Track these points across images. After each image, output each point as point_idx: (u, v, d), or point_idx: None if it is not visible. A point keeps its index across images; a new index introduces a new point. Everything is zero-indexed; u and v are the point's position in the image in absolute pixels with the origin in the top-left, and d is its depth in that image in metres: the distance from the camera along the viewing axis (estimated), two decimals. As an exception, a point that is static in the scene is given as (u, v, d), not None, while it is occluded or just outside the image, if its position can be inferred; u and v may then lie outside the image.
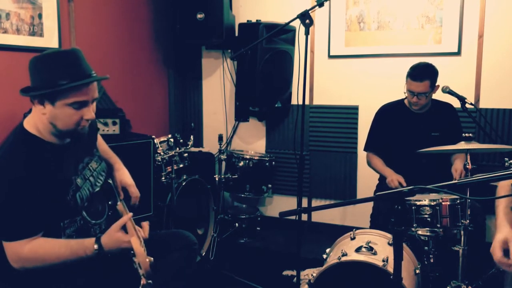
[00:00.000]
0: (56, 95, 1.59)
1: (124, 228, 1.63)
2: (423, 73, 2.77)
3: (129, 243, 1.57)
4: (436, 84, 2.83)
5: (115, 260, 1.70)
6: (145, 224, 1.74)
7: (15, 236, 1.58)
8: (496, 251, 1.61)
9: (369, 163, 3.12)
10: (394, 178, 2.80)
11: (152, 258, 1.52)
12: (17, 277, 1.66)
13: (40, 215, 1.60)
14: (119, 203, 1.91)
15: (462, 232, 2.27)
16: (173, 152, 3.16)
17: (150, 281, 1.49)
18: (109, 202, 1.92)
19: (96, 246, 1.59)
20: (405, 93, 2.88)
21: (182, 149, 3.30)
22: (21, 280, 1.67)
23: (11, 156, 1.62)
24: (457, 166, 2.75)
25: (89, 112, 1.66)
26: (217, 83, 4.18)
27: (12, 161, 1.60)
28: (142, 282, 1.48)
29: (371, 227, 2.79)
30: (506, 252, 1.61)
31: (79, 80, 1.60)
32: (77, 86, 1.59)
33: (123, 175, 2.05)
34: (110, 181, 1.96)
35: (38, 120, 1.66)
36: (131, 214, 1.68)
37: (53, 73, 1.59)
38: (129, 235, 1.60)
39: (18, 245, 1.57)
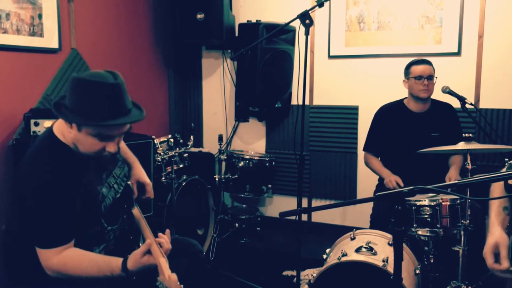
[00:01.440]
0: (82, 124, 1.57)
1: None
2: (425, 59, 2.92)
3: (156, 263, 1.54)
4: (435, 76, 2.90)
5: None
6: (165, 237, 1.67)
7: (45, 244, 1.58)
8: (488, 257, 1.59)
9: (367, 163, 3.12)
10: (392, 179, 2.81)
11: (182, 286, 1.47)
12: (41, 281, 1.66)
13: (68, 223, 1.59)
14: (135, 207, 1.88)
15: (462, 232, 2.27)
16: (173, 152, 3.16)
17: None
18: (124, 206, 1.89)
19: (123, 273, 1.56)
20: (415, 81, 2.86)
21: (182, 149, 3.30)
22: (45, 283, 1.67)
23: (39, 161, 1.61)
24: (451, 175, 2.76)
25: (113, 146, 1.63)
26: (217, 83, 4.18)
27: (40, 166, 1.59)
28: None
29: (371, 227, 2.78)
30: (498, 255, 1.60)
31: (114, 118, 1.56)
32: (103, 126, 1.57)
33: (142, 173, 2.05)
34: (130, 183, 1.94)
35: (66, 132, 1.65)
36: (151, 240, 1.61)
37: (90, 103, 1.54)
38: (156, 256, 1.56)
39: (49, 254, 1.57)
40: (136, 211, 1.85)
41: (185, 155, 3.32)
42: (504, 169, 1.93)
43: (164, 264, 1.50)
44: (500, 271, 1.58)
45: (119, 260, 1.58)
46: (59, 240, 1.58)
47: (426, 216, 2.40)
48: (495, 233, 1.63)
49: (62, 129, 1.66)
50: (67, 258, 1.58)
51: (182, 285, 1.47)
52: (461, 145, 2.29)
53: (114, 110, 1.57)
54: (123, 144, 2.11)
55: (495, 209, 1.73)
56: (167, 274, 1.47)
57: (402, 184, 2.78)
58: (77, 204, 1.60)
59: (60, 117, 1.60)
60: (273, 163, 3.77)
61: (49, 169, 1.58)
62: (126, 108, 1.61)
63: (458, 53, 3.38)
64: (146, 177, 2.06)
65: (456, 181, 1.36)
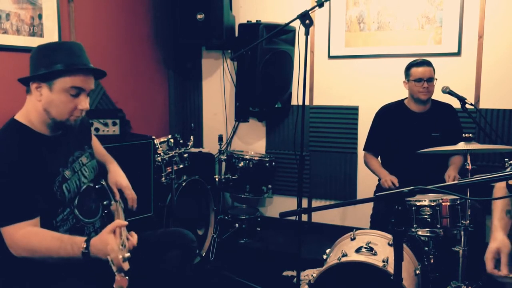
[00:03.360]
0: (53, 76, 1.62)
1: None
2: (425, 61, 2.90)
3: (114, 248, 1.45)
4: (435, 77, 2.89)
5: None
6: (134, 234, 1.65)
7: (7, 220, 1.57)
8: (488, 263, 1.60)
9: (366, 163, 3.12)
10: (388, 179, 2.81)
11: (128, 254, 1.40)
12: (14, 271, 1.65)
13: (30, 200, 1.60)
14: (113, 203, 1.90)
15: (462, 232, 2.27)
16: (173, 153, 3.16)
17: (127, 277, 1.37)
18: (104, 202, 1.91)
19: (84, 245, 1.50)
20: (415, 83, 2.86)
21: (182, 150, 3.30)
22: (18, 275, 1.66)
23: (2, 143, 1.64)
24: (450, 172, 2.76)
25: (84, 102, 1.69)
26: (217, 84, 4.18)
27: (3, 148, 1.62)
28: (116, 278, 1.36)
29: (371, 228, 2.78)
30: (498, 261, 1.60)
31: (81, 64, 1.66)
32: (75, 71, 1.64)
33: (118, 176, 2.03)
34: (103, 182, 1.95)
35: (32, 109, 1.69)
36: (125, 222, 1.58)
37: (52, 57, 1.63)
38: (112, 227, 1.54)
39: (12, 229, 1.56)
40: (114, 206, 1.89)
41: (185, 155, 3.32)
42: (508, 169, 1.93)
43: (111, 238, 1.47)
44: (499, 277, 1.58)
45: (84, 237, 1.55)
46: (21, 214, 1.58)
47: (426, 216, 2.40)
48: (497, 238, 1.63)
49: (26, 111, 1.70)
50: (32, 233, 1.57)
51: (129, 254, 1.40)
52: (461, 145, 2.29)
53: (78, 59, 1.66)
54: (100, 148, 2.13)
55: (498, 213, 1.73)
56: (112, 245, 1.42)
57: (397, 184, 2.78)
58: (37, 182, 1.60)
59: (31, 80, 1.65)
60: (273, 163, 3.77)
61: (8, 148, 1.61)
62: (88, 62, 1.70)
63: (458, 53, 3.38)
64: (123, 180, 2.03)
65: (456, 181, 1.36)
